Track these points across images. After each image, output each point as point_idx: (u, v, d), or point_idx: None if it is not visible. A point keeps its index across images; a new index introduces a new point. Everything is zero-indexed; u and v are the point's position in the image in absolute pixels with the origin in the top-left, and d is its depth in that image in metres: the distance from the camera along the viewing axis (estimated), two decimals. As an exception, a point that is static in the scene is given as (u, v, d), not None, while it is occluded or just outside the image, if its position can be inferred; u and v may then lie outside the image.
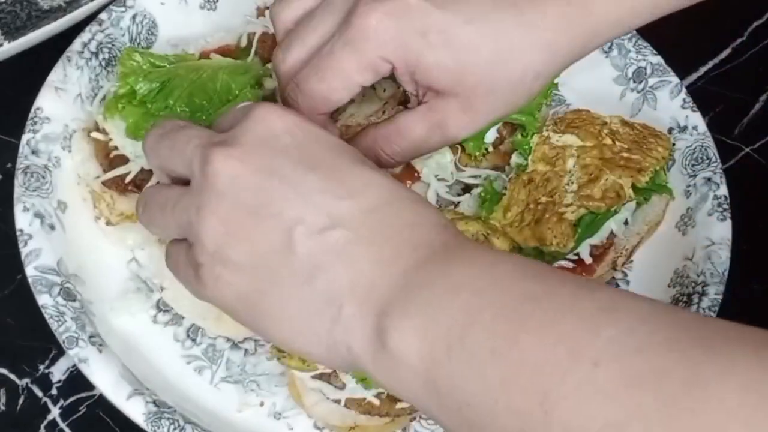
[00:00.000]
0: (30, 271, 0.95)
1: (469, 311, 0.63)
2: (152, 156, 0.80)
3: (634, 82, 1.15)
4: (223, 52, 1.11)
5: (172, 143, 0.77)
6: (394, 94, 1.10)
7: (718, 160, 1.08)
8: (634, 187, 1.01)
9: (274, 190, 0.70)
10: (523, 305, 0.62)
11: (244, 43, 1.12)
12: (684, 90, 1.13)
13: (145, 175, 1.02)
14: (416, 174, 1.06)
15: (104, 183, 1.02)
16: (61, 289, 0.94)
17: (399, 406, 0.91)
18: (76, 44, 1.08)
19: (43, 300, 0.93)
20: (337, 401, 0.92)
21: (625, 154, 1.02)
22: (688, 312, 0.68)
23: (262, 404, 0.96)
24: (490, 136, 1.07)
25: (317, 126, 0.75)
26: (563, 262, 1.00)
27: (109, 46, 1.10)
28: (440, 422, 0.67)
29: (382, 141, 0.88)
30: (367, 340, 0.67)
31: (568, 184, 1.01)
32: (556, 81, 1.11)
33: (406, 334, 0.65)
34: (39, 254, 0.96)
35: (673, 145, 1.09)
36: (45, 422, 0.96)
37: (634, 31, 1.16)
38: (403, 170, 1.06)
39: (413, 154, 0.90)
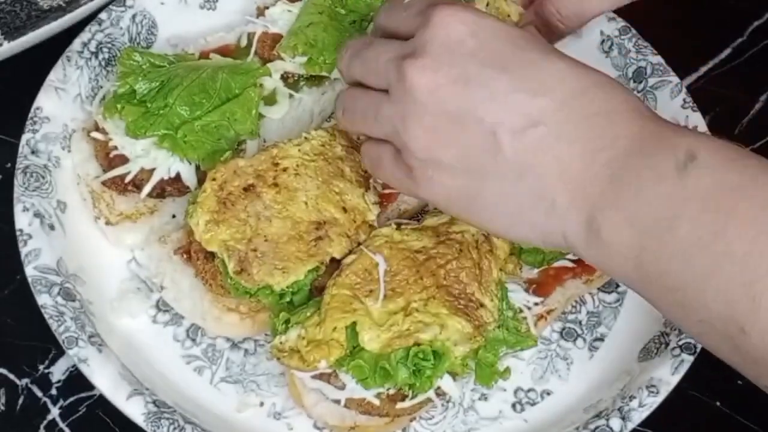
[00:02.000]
0: (30, 271, 0.95)
1: (675, 202, 0.68)
2: (348, 75, 0.86)
3: (635, 81, 1.15)
4: (223, 51, 1.11)
5: (363, 61, 0.83)
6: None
7: (719, 160, 1.08)
8: (634, 186, 1.01)
9: (472, 97, 0.75)
10: (727, 196, 0.67)
11: (244, 42, 1.12)
12: (684, 90, 1.13)
13: (144, 175, 1.02)
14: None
15: (104, 183, 1.02)
16: (60, 289, 0.94)
17: (399, 406, 0.91)
18: (76, 44, 1.08)
19: (43, 300, 0.93)
20: (337, 401, 0.92)
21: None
22: None
23: (262, 404, 0.96)
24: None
25: (495, 19, 0.79)
26: (563, 262, 1.00)
27: (109, 45, 1.10)
28: (651, 302, 0.73)
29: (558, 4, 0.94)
30: (580, 230, 0.73)
31: (568, 184, 1.01)
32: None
33: (618, 225, 0.71)
34: (39, 254, 0.96)
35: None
36: (45, 422, 0.95)
37: (634, 31, 1.16)
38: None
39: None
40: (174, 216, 1.04)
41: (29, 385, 0.97)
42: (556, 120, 0.74)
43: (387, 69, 0.79)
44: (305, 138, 1.02)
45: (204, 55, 1.11)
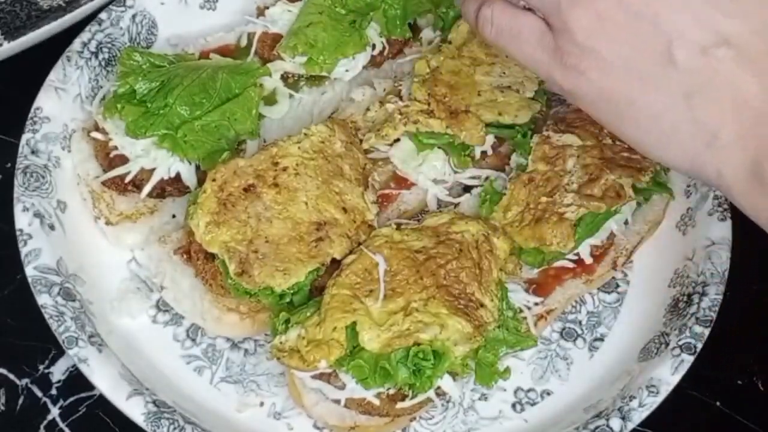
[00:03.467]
0: (30, 271, 0.95)
1: None
2: None
3: (635, 81, 1.15)
4: (223, 51, 1.11)
5: None
6: (391, 90, 1.10)
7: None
8: (634, 186, 1.01)
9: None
10: None
11: (244, 42, 1.12)
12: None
13: (144, 175, 1.02)
14: (409, 183, 1.06)
15: (104, 183, 1.02)
16: (60, 289, 0.94)
17: (399, 406, 0.91)
18: (76, 44, 1.08)
19: (43, 300, 0.93)
20: (337, 401, 0.92)
21: (625, 154, 1.02)
22: None
23: (262, 404, 0.96)
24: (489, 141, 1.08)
25: None
26: (563, 262, 1.00)
27: (109, 45, 1.10)
28: None
29: None
30: (741, 172, 0.68)
31: (568, 184, 1.01)
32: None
33: None
34: (39, 254, 0.96)
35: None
36: (45, 422, 0.95)
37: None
38: (395, 180, 1.06)
39: None
40: (174, 216, 1.04)
41: (29, 385, 0.97)
42: (745, 45, 0.68)
43: None
44: (305, 134, 1.02)
45: (204, 55, 1.11)
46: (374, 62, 1.14)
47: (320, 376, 0.91)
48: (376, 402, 0.91)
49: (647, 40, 0.69)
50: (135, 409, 0.89)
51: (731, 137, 0.68)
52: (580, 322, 1.03)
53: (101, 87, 1.08)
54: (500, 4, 0.78)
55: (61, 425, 0.96)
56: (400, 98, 1.07)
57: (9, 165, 1.08)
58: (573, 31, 0.71)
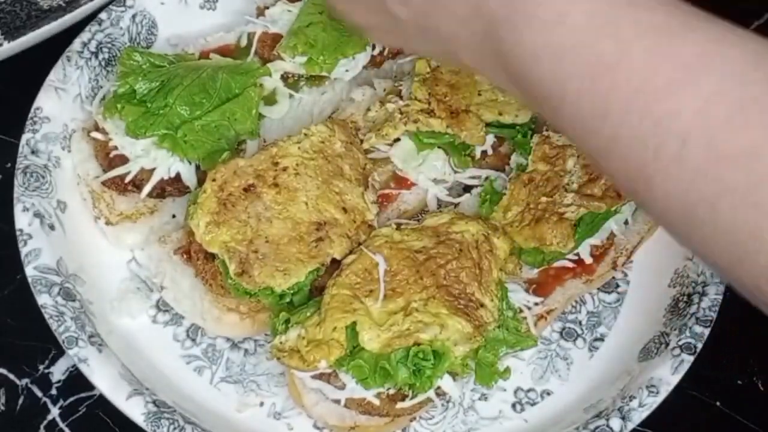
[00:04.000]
0: (30, 271, 0.95)
1: (556, 82, 0.66)
2: None
3: (635, 81, 1.15)
4: (223, 51, 1.11)
5: None
6: (391, 90, 1.10)
7: (719, 160, 1.08)
8: (634, 186, 1.01)
9: None
10: (603, 76, 0.64)
11: (244, 42, 1.12)
12: (684, 90, 1.12)
13: (144, 175, 1.02)
14: (409, 183, 1.06)
15: (104, 183, 1.02)
16: (60, 289, 0.94)
17: (399, 406, 0.91)
18: (76, 44, 1.08)
19: (43, 300, 0.93)
20: (337, 401, 0.92)
21: (625, 154, 1.02)
22: None
23: (262, 404, 0.96)
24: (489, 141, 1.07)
25: None
26: (563, 262, 1.00)
27: (109, 45, 1.10)
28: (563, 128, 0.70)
29: None
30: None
31: (568, 184, 1.01)
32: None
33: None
34: (39, 254, 0.96)
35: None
36: (45, 422, 0.95)
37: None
38: (395, 180, 1.06)
39: None
40: (174, 216, 1.04)
41: (29, 385, 0.97)
42: None
43: None
44: (305, 134, 1.02)
45: (204, 55, 1.11)
46: (374, 62, 1.14)
47: (320, 376, 0.91)
48: (376, 402, 0.91)
49: None
50: (135, 409, 0.89)
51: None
52: (580, 322, 1.03)
53: (101, 87, 1.08)
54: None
55: (61, 425, 0.96)
56: (401, 98, 1.08)
57: (9, 165, 1.08)
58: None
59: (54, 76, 1.06)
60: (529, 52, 0.67)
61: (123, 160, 1.02)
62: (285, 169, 0.98)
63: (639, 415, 0.91)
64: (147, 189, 1.02)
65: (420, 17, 0.75)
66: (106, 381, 0.90)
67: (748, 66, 0.61)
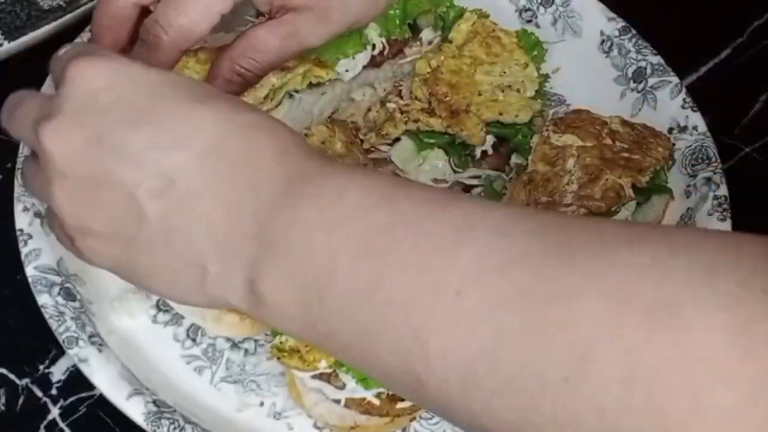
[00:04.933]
0: (30, 271, 0.95)
1: (329, 255, 0.62)
2: (9, 130, 0.79)
3: (634, 82, 1.15)
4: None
5: (13, 122, 0.75)
6: (391, 90, 1.10)
7: (718, 160, 1.08)
8: (634, 187, 1.01)
9: (107, 159, 0.67)
10: (378, 240, 0.61)
11: (244, 42, 1.12)
12: (684, 90, 1.13)
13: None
14: (409, 182, 1.06)
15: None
16: (61, 289, 0.94)
17: (399, 406, 0.91)
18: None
19: (43, 300, 0.93)
20: (337, 401, 0.92)
21: (625, 154, 1.02)
22: (543, 214, 0.67)
23: (262, 404, 0.96)
24: (489, 141, 1.08)
25: (142, 66, 0.71)
26: (563, 262, 1.00)
27: (109, 45, 1.10)
28: (334, 357, 0.71)
29: (238, 58, 0.88)
30: (242, 295, 0.66)
31: (568, 184, 1.01)
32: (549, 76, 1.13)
33: (278, 287, 0.64)
34: (39, 254, 0.96)
35: (673, 145, 1.08)
36: (45, 422, 0.95)
37: (634, 31, 1.16)
38: (394, 180, 1.06)
39: (272, 66, 0.91)
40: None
41: (29, 385, 0.97)
42: (194, 175, 0.66)
43: (29, 133, 0.71)
44: (305, 134, 1.02)
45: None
46: (374, 62, 1.14)
47: (320, 376, 0.91)
48: (376, 402, 0.91)
49: (118, 202, 0.68)
50: (135, 409, 0.88)
51: (219, 269, 0.67)
52: (580, 322, 1.03)
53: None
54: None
55: (61, 425, 0.96)
56: (401, 98, 1.08)
57: (9, 165, 1.07)
58: (63, 218, 0.71)
59: (54, 76, 1.06)
60: (300, 226, 0.64)
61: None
62: (285, 169, 0.98)
63: (639, 415, 0.91)
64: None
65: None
66: (106, 381, 0.90)
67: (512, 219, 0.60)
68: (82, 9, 1.11)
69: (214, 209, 0.66)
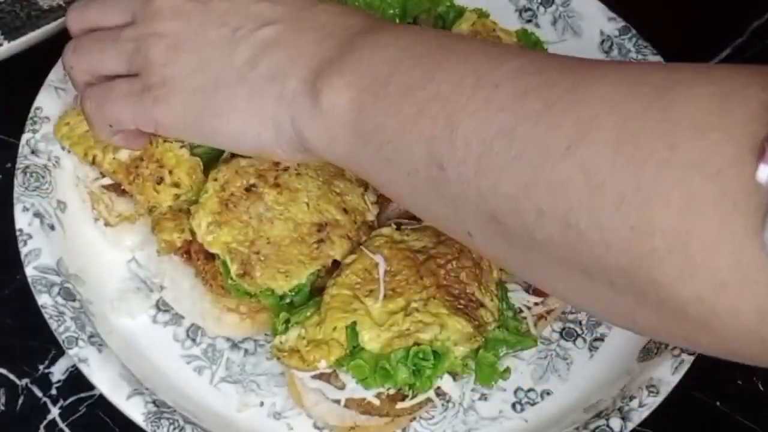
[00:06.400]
0: (30, 271, 0.95)
1: (393, 62, 0.70)
2: (81, 24, 0.85)
3: (634, 82, 1.15)
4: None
5: (101, 2, 0.84)
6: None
7: (718, 160, 1.08)
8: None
9: (215, 8, 0.77)
10: (439, 52, 0.70)
11: (243, 42, 1.12)
12: (684, 90, 1.12)
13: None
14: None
15: (103, 184, 1.02)
16: (60, 289, 0.94)
17: (399, 406, 0.91)
18: (76, 44, 1.08)
19: (43, 300, 0.93)
20: (337, 401, 0.92)
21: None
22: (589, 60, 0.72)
23: (262, 404, 0.96)
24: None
25: None
26: (563, 262, 1.00)
27: (109, 45, 1.10)
28: (366, 171, 0.74)
29: None
30: (306, 105, 0.73)
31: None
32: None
33: (338, 89, 0.71)
34: (39, 254, 0.96)
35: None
36: (45, 422, 0.96)
37: (634, 31, 1.16)
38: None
39: None
40: (174, 216, 1.04)
41: (29, 385, 0.97)
42: (291, 19, 0.76)
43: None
44: (305, 136, 1.02)
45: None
46: (374, 62, 1.14)
47: (320, 376, 0.91)
48: (376, 402, 0.91)
49: (215, 41, 0.77)
50: (135, 409, 0.89)
51: (295, 81, 0.74)
52: (580, 322, 1.03)
53: (101, 87, 1.07)
54: (97, 85, 0.84)
55: (61, 425, 0.96)
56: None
57: (9, 165, 1.08)
58: (153, 61, 0.78)
59: (54, 76, 1.06)
60: (377, 44, 0.74)
61: (123, 160, 1.02)
62: (286, 169, 0.98)
63: (639, 415, 0.91)
64: (147, 189, 1.02)
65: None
66: (106, 381, 0.90)
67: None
68: (82, 9, 1.11)
69: (304, 40, 0.75)
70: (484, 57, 0.68)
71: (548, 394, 0.99)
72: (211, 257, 0.96)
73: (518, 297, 0.97)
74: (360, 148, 0.72)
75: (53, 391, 0.97)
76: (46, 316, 0.92)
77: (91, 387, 0.93)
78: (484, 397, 0.98)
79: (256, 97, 0.75)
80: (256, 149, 0.81)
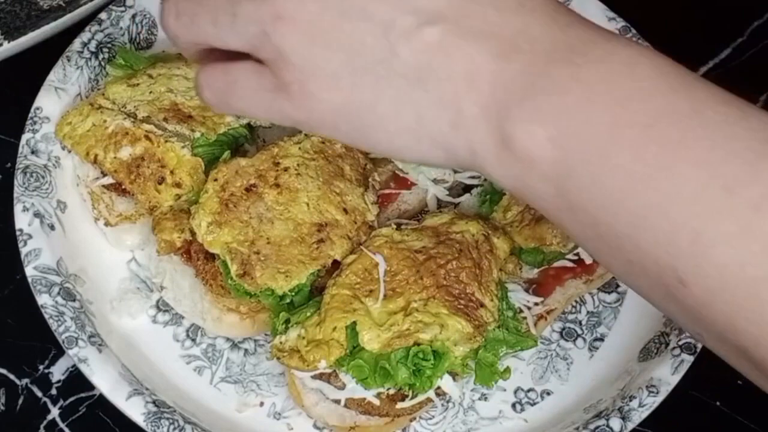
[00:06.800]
0: (30, 271, 0.95)
1: (610, 125, 0.58)
2: None
3: (634, 82, 1.15)
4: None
5: None
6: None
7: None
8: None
9: None
10: (672, 126, 0.58)
11: (244, 42, 1.12)
12: (684, 90, 1.12)
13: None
14: (409, 183, 1.06)
15: (103, 184, 1.02)
16: (60, 289, 0.94)
17: (399, 406, 0.91)
18: (76, 44, 1.08)
19: (43, 300, 0.93)
20: (337, 401, 0.92)
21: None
22: None
23: (262, 404, 0.96)
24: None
25: None
26: (563, 262, 1.00)
27: (109, 45, 1.10)
28: (566, 230, 0.64)
29: None
30: (491, 143, 0.62)
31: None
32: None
33: (539, 142, 0.60)
34: (39, 254, 0.96)
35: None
36: (45, 422, 0.96)
37: (634, 31, 1.16)
38: (395, 180, 1.06)
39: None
40: (174, 216, 1.04)
41: (29, 385, 0.97)
42: (457, 14, 0.62)
43: None
44: (305, 135, 1.02)
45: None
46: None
47: (320, 376, 0.91)
48: (376, 402, 0.91)
49: (364, 39, 0.62)
50: (135, 409, 0.89)
51: (475, 110, 0.62)
52: (580, 322, 1.03)
53: (101, 87, 1.08)
54: (211, 65, 0.70)
55: (61, 425, 0.96)
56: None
57: (9, 165, 1.08)
58: (289, 55, 0.63)
59: (54, 76, 1.06)
60: (582, 86, 0.60)
61: (123, 160, 1.02)
62: (286, 169, 0.98)
63: (639, 415, 0.91)
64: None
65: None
66: (106, 381, 0.90)
67: None
68: (82, 9, 1.11)
69: (479, 53, 0.61)
70: (729, 148, 0.57)
71: (548, 394, 0.99)
72: (211, 257, 0.96)
73: (518, 297, 0.97)
74: (563, 210, 0.62)
75: (53, 391, 0.97)
76: (46, 316, 0.92)
77: (91, 387, 0.93)
78: (484, 397, 0.98)
79: (427, 119, 0.64)
80: (421, 162, 0.71)
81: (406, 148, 0.66)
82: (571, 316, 1.03)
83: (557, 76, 0.60)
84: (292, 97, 0.65)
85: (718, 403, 0.99)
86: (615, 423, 0.90)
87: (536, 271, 1.00)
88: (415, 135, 0.65)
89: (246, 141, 1.04)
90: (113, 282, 1.01)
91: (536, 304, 0.98)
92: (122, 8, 1.12)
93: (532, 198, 0.64)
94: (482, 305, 0.92)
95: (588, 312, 1.04)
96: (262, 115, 0.69)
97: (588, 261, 1.01)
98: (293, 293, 0.94)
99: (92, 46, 1.09)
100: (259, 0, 0.64)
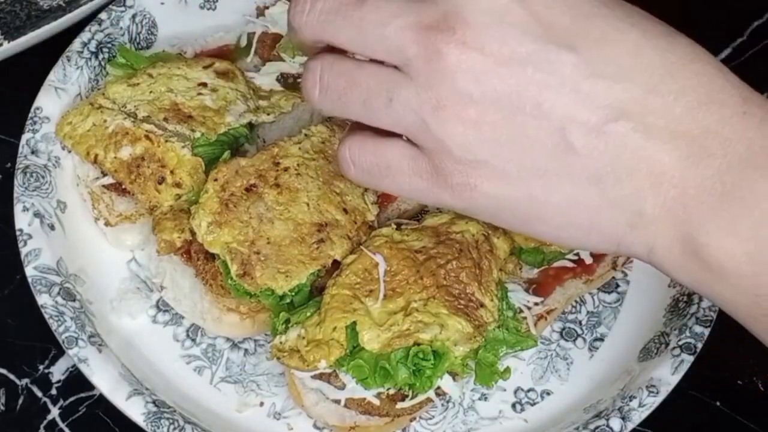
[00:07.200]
0: (30, 271, 0.95)
1: None
2: (316, 33, 0.64)
3: (634, 82, 1.15)
4: (223, 51, 1.12)
5: (352, 23, 0.62)
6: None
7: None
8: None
9: (531, 83, 0.59)
10: None
11: (243, 42, 1.12)
12: (684, 90, 1.12)
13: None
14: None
15: (103, 184, 1.02)
16: (60, 289, 0.94)
17: (399, 406, 0.91)
18: (76, 44, 1.08)
19: (43, 300, 0.93)
20: (337, 401, 0.92)
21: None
22: None
23: (262, 404, 0.96)
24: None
25: None
26: (563, 262, 1.00)
27: (109, 45, 1.10)
28: (758, 335, 0.63)
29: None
30: (674, 248, 0.61)
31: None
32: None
33: (735, 255, 0.59)
34: (39, 254, 0.96)
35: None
36: (45, 422, 0.95)
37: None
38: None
39: None
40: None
41: (29, 385, 0.97)
42: (641, 111, 0.60)
43: (403, 41, 0.60)
44: (305, 135, 1.02)
45: (203, 56, 1.11)
46: (374, 62, 1.14)
47: (320, 376, 0.91)
48: (376, 402, 0.91)
49: (538, 134, 0.60)
50: (135, 409, 0.89)
51: (656, 212, 0.61)
52: (580, 322, 1.03)
53: (101, 87, 1.08)
54: (357, 139, 0.68)
55: (61, 425, 0.96)
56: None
57: (9, 165, 1.08)
58: (452, 148, 0.62)
59: (54, 76, 1.06)
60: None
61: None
62: (286, 169, 0.98)
63: (639, 415, 0.91)
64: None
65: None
66: (106, 381, 0.90)
67: None
68: (82, 9, 1.11)
69: (666, 152, 0.59)
70: None
71: (548, 394, 0.99)
72: (211, 257, 0.96)
73: (518, 297, 0.97)
74: (760, 318, 0.62)
75: (53, 391, 0.97)
76: (46, 316, 0.92)
77: (91, 387, 0.93)
78: (484, 397, 0.98)
79: (602, 217, 0.62)
80: (581, 249, 0.71)
81: (573, 240, 0.65)
82: (571, 316, 1.03)
83: (757, 187, 0.58)
84: (451, 186, 0.64)
85: (718, 403, 0.99)
86: (615, 423, 0.90)
87: (536, 271, 1.00)
88: (586, 230, 0.64)
89: (246, 141, 1.04)
90: (113, 282, 1.01)
91: (536, 304, 0.98)
92: (122, 8, 1.12)
93: (718, 302, 0.63)
94: (482, 305, 0.92)
95: (588, 312, 1.04)
96: (414, 197, 0.68)
97: (588, 261, 1.01)
98: (293, 293, 0.94)
99: (92, 46, 1.09)
100: (420, 88, 0.61)
